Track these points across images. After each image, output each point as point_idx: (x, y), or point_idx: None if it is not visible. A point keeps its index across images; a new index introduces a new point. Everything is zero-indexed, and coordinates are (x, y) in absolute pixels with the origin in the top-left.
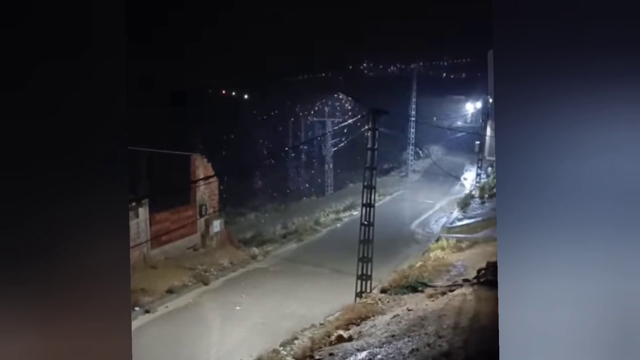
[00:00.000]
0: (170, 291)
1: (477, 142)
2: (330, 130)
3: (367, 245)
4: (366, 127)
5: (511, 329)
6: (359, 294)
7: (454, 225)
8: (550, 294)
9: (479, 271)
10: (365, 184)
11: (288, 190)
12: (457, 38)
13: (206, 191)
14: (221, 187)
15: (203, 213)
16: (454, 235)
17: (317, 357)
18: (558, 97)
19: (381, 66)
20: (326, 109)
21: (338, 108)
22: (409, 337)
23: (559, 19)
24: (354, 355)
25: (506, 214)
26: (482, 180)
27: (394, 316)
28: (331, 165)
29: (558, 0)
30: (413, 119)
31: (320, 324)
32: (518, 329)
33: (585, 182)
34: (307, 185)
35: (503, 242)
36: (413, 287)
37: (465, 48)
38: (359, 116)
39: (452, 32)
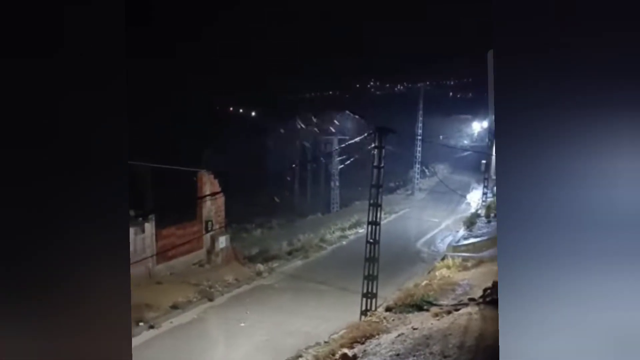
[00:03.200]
0: (175, 307)
1: (483, 162)
2: (337, 147)
3: (373, 263)
4: (373, 145)
5: (512, 348)
6: (364, 312)
7: (460, 244)
8: (551, 321)
9: (485, 290)
10: (371, 201)
11: (294, 207)
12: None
13: (212, 207)
14: (227, 204)
15: (209, 229)
16: (460, 254)
17: None
18: (558, 97)
19: (388, 85)
20: (333, 127)
21: (345, 126)
22: (414, 356)
23: (559, 20)
24: None
25: (506, 213)
26: (488, 199)
27: (399, 335)
28: (337, 183)
29: (558, 0)
30: (419, 137)
31: (325, 342)
32: (518, 349)
33: (585, 184)
34: (313, 202)
35: (503, 260)
36: (418, 306)
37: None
38: (366, 134)
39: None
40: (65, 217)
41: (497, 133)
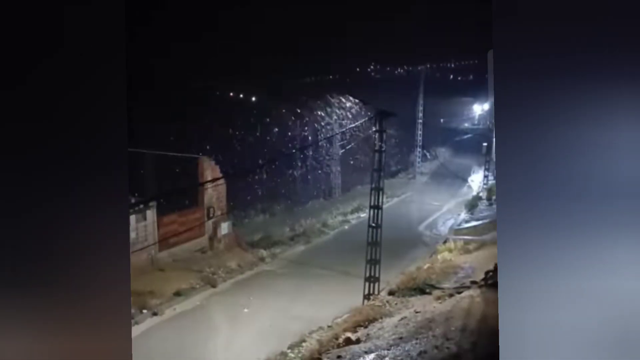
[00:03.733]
0: (178, 294)
1: (484, 144)
2: (338, 132)
3: (375, 247)
4: (374, 129)
5: (511, 330)
6: (366, 296)
7: (462, 227)
8: (550, 294)
9: (486, 273)
10: (373, 186)
11: (296, 193)
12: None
13: (214, 193)
14: (228, 190)
15: (211, 215)
16: (462, 237)
17: (324, 359)
18: (558, 97)
19: (388, 68)
20: (334, 111)
21: (345, 110)
22: (416, 339)
23: (559, 19)
24: (361, 358)
25: (506, 213)
26: (490, 182)
27: (402, 318)
28: (339, 168)
29: (558, 0)
30: (420, 120)
31: (328, 327)
32: (518, 330)
33: (584, 182)
34: (314, 187)
35: (503, 243)
36: (421, 289)
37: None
38: (367, 118)
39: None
40: (66, 205)
41: (497, 133)
